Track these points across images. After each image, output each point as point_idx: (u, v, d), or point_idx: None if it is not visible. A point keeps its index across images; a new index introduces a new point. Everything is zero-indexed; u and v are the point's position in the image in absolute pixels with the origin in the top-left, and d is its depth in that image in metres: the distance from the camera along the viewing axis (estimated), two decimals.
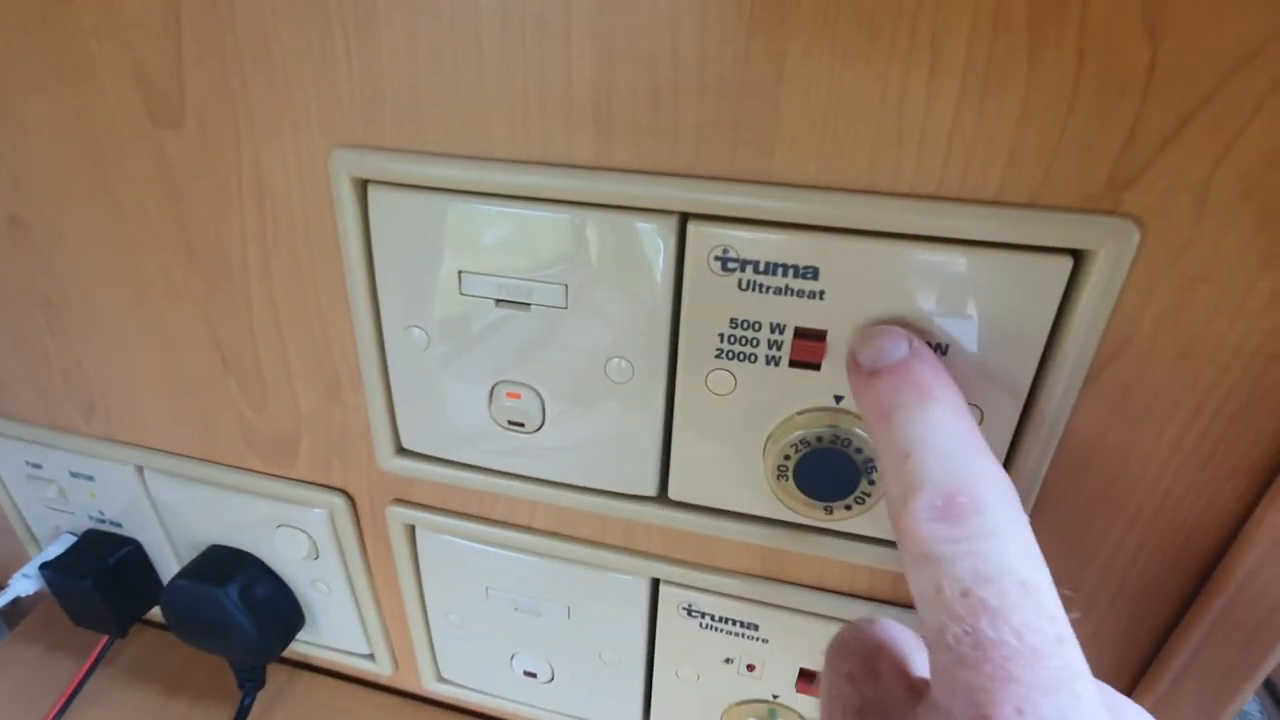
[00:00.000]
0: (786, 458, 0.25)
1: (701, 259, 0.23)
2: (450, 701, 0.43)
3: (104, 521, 0.42)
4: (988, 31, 0.19)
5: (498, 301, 0.26)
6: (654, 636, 0.34)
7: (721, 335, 0.24)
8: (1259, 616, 0.24)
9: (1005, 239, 0.21)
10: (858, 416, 0.24)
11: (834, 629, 0.30)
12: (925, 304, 0.22)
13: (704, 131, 0.22)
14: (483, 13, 0.22)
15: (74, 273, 0.32)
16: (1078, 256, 0.21)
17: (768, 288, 0.23)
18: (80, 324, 0.34)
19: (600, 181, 0.23)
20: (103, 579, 0.40)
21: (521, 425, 0.28)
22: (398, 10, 0.22)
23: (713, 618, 0.32)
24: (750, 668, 0.33)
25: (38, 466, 0.40)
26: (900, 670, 0.19)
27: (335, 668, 0.45)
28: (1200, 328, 0.21)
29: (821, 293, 0.23)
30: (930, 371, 0.20)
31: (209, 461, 0.36)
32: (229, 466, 0.36)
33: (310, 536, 0.36)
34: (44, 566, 0.41)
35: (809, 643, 0.31)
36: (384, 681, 0.44)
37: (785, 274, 0.23)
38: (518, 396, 0.28)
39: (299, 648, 0.43)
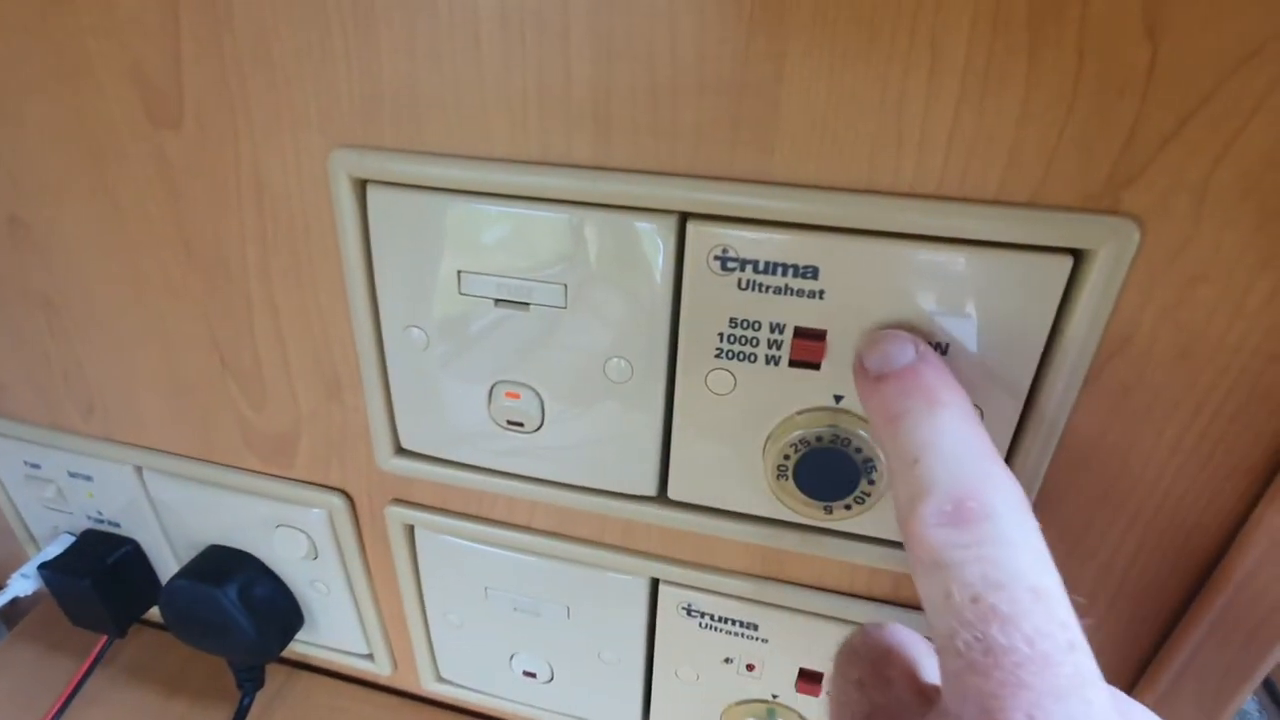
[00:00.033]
0: (786, 457, 0.25)
1: (701, 259, 0.23)
2: (449, 701, 0.43)
3: (102, 521, 0.42)
4: (987, 31, 0.19)
5: (497, 301, 0.26)
6: (653, 636, 0.34)
7: (721, 335, 0.24)
8: (1258, 616, 0.24)
9: (1005, 238, 0.21)
10: (858, 416, 0.24)
11: (834, 629, 0.30)
12: (925, 303, 0.22)
13: (703, 131, 0.22)
14: (481, 12, 0.22)
15: (73, 272, 0.32)
16: (1077, 256, 0.21)
17: (767, 287, 0.23)
18: (79, 323, 0.34)
19: (599, 181, 0.23)
20: (101, 579, 0.40)
21: (521, 425, 0.28)
22: (396, 10, 0.22)
23: (712, 617, 0.32)
24: (750, 667, 0.33)
25: (36, 466, 0.40)
26: (910, 676, 0.19)
27: (334, 668, 0.45)
28: (1199, 327, 0.21)
29: (821, 292, 0.23)
30: (937, 376, 0.20)
31: (208, 461, 0.36)
32: (228, 466, 0.36)
33: (309, 536, 0.36)
34: (42, 566, 0.41)
35: (809, 642, 0.31)
36: (383, 681, 0.44)
37: (785, 273, 0.23)
38: (517, 396, 0.28)
39: (298, 648, 0.43)
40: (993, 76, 0.19)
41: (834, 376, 0.24)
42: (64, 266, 0.32)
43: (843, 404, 0.24)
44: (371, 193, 0.26)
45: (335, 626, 0.41)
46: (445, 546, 0.34)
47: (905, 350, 0.21)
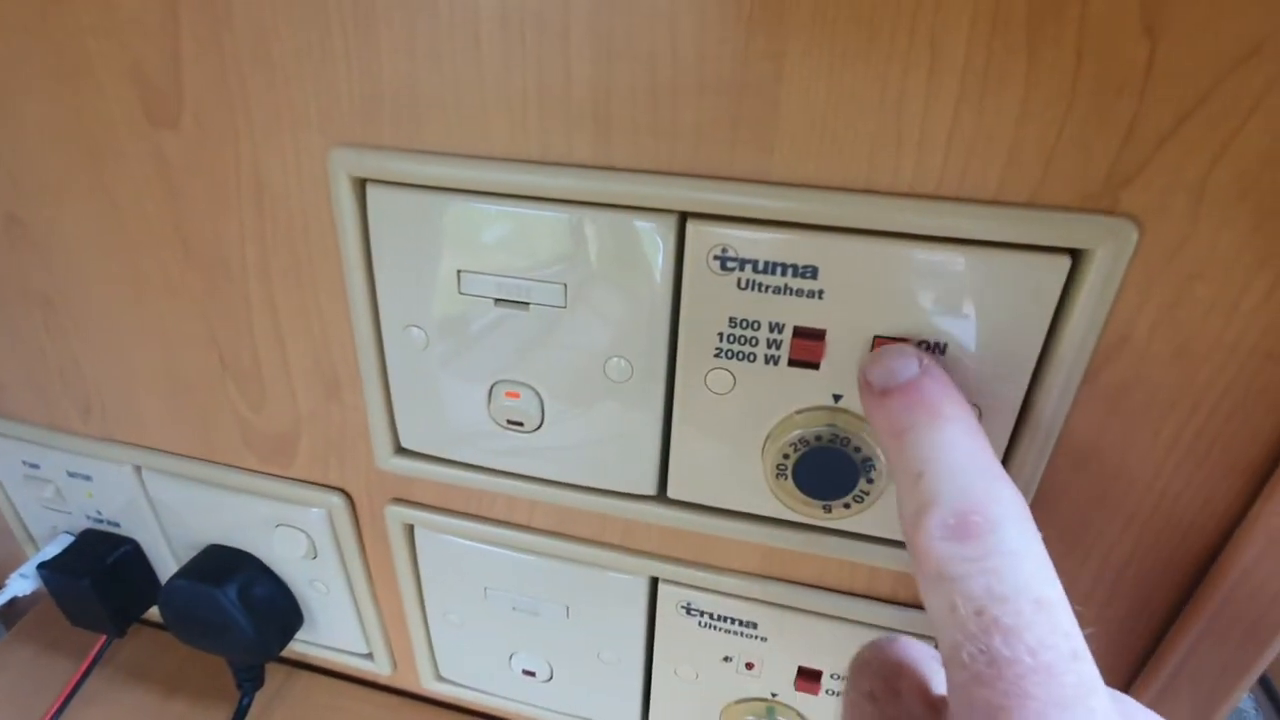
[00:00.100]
0: (785, 456, 0.25)
1: (701, 258, 0.23)
2: (449, 701, 0.43)
3: (101, 521, 0.42)
4: (987, 31, 0.19)
5: (497, 301, 0.26)
6: (653, 635, 0.34)
7: (721, 334, 0.24)
8: (1255, 613, 0.24)
9: (1004, 238, 0.21)
10: (856, 415, 0.24)
11: (833, 627, 0.30)
12: (924, 303, 0.22)
13: (703, 131, 0.22)
14: (482, 12, 0.22)
15: (71, 271, 0.32)
16: (1076, 255, 0.21)
17: (767, 287, 0.23)
18: (78, 323, 0.34)
19: (599, 181, 0.23)
20: (100, 579, 0.40)
21: (520, 424, 0.28)
22: (396, 10, 0.22)
23: (712, 616, 0.32)
24: (749, 666, 0.33)
25: (35, 466, 0.40)
26: (920, 688, 0.20)
27: (334, 667, 0.45)
28: (1197, 326, 0.21)
29: (820, 292, 0.23)
30: (941, 390, 0.20)
31: (207, 461, 0.36)
32: (227, 466, 0.36)
33: (309, 536, 0.36)
34: (41, 566, 0.41)
35: (808, 641, 0.31)
36: (383, 681, 0.44)
37: (784, 273, 0.23)
38: (517, 396, 0.28)
39: (297, 647, 0.43)
40: (992, 76, 0.19)
41: (833, 376, 0.24)
42: (62, 265, 0.32)
43: (841, 403, 0.24)
44: (371, 192, 0.26)
45: (335, 626, 0.41)
46: (445, 546, 0.34)
47: (909, 365, 0.21)
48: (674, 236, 0.23)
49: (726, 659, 0.33)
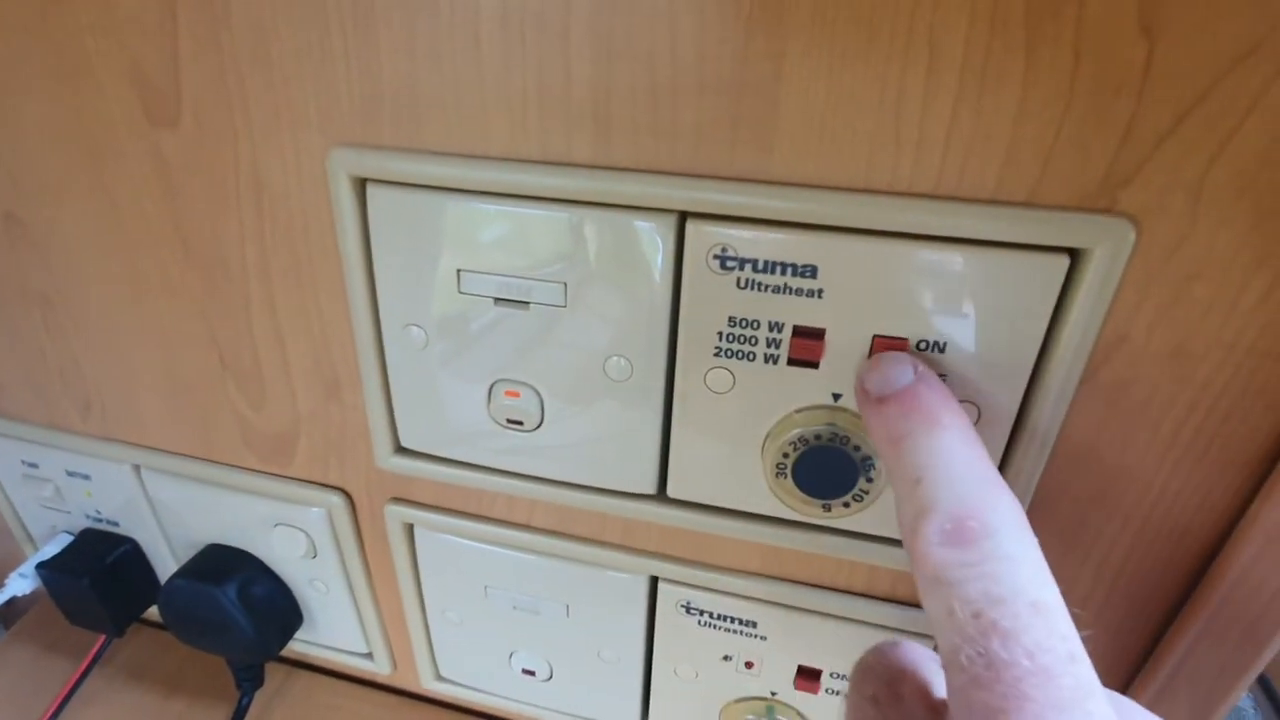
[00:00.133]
0: (785, 455, 0.25)
1: (700, 257, 0.23)
2: (449, 700, 0.43)
3: (101, 521, 0.42)
4: (985, 30, 0.19)
5: (496, 300, 0.26)
6: (653, 634, 0.34)
7: (720, 333, 0.24)
8: (1254, 612, 0.24)
9: (1002, 238, 0.21)
10: (856, 415, 0.24)
11: (833, 626, 0.30)
12: (924, 302, 0.22)
13: (703, 130, 0.22)
14: (482, 12, 0.22)
15: (71, 271, 0.32)
16: (1074, 255, 0.21)
17: (766, 286, 0.23)
18: (77, 322, 0.34)
19: (599, 180, 0.23)
20: (100, 578, 0.40)
21: (520, 424, 0.28)
22: (396, 10, 0.22)
23: (711, 615, 0.32)
24: (749, 665, 0.33)
25: (34, 466, 0.40)
26: (922, 692, 0.20)
27: (333, 667, 0.45)
28: (1195, 325, 0.21)
29: (820, 291, 0.23)
30: (937, 397, 0.20)
31: (207, 460, 0.36)
32: (227, 465, 0.36)
33: (308, 535, 0.36)
34: (40, 566, 0.41)
35: (807, 640, 0.31)
36: (382, 680, 0.44)
37: (784, 272, 0.23)
38: (516, 395, 0.28)
39: (297, 647, 0.43)
40: (990, 75, 0.19)
41: (832, 375, 0.24)
42: (62, 265, 0.32)
43: (841, 402, 0.24)
44: (371, 191, 0.26)
45: (334, 625, 0.41)
46: (445, 545, 0.34)
47: (905, 372, 0.21)
48: (674, 236, 0.23)
49: (726, 658, 0.33)
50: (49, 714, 0.42)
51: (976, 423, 0.23)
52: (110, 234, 0.30)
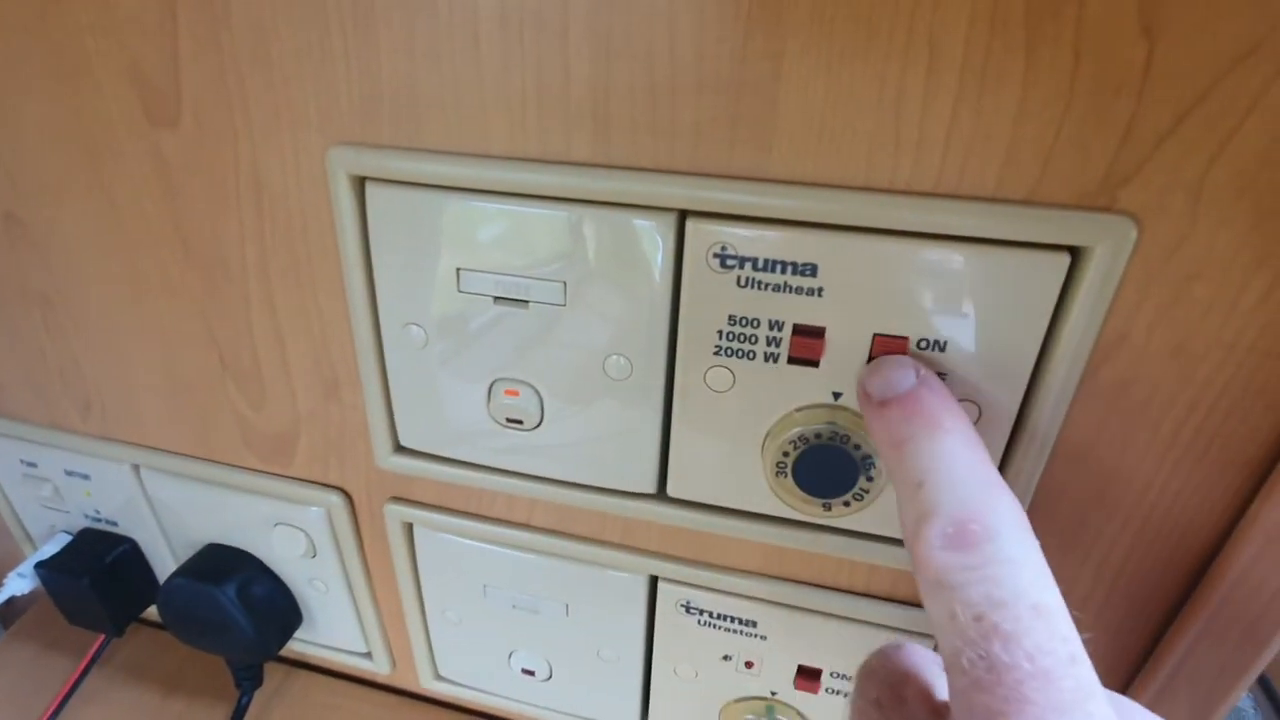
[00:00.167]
0: (785, 454, 0.25)
1: (700, 256, 0.23)
2: (448, 700, 0.43)
3: (100, 520, 0.42)
4: (985, 30, 0.19)
5: (496, 299, 0.26)
6: (652, 634, 0.34)
7: (720, 332, 0.24)
8: (1254, 612, 0.24)
9: (1003, 236, 0.21)
10: (856, 413, 0.24)
11: (833, 625, 0.30)
12: (924, 300, 0.22)
13: (702, 129, 0.22)
14: (480, 11, 0.22)
15: (70, 270, 0.32)
16: (1074, 253, 0.21)
17: (766, 285, 0.23)
18: (77, 321, 0.34)
19: (598, 179, 0.23)
20: (99, 578, 0.40)
21: (520, 423, 0.28)
22: (396, 10, 0.22)
23: (711, 615, 0.32)
24: (748, 665, 0.33)
25: (33, 465, 0.40)
26: (925, 695, 0.20)
27: (333, 666, 0.45)
28: (1195, 324, 0.21)
29: (820, 289, 0.23)
30: (938, 400, 0.20)
31: (206, 460, 0.36)
32: (226, 465, 0.36)
33: (308, 535, 0.36)
34: (39, 565, 0.41)
35: (807, 639, 0.31)
36: (382, 680, 0.44)
37: (784, 271, 0.23)
38: (516, 394, 0.28)
39: (296, 646, 0.43)
40: (990, 75, 0.19)
41: (832, 373, 0.24)
42: (61, 265, 0.32)
43: (841, 401, 0.24)
44: (370, 190, 0.26)
45: (334, 625, 0.41)
46: (444, 544, 0.34)
47: (906, 375, 0.21)
48: (673, 235, 0.23)
49: (726, 657, 0.33)
50: (48, 714, 0.42)
51: (976, 422, 0.23)
52: (110, 234, 0.30)
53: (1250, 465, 0.23)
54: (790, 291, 0.23)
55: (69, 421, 0.38)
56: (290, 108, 0.25)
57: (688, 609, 0.32)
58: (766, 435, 0.26)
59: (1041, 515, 0.26)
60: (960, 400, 0.22)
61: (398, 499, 0.34)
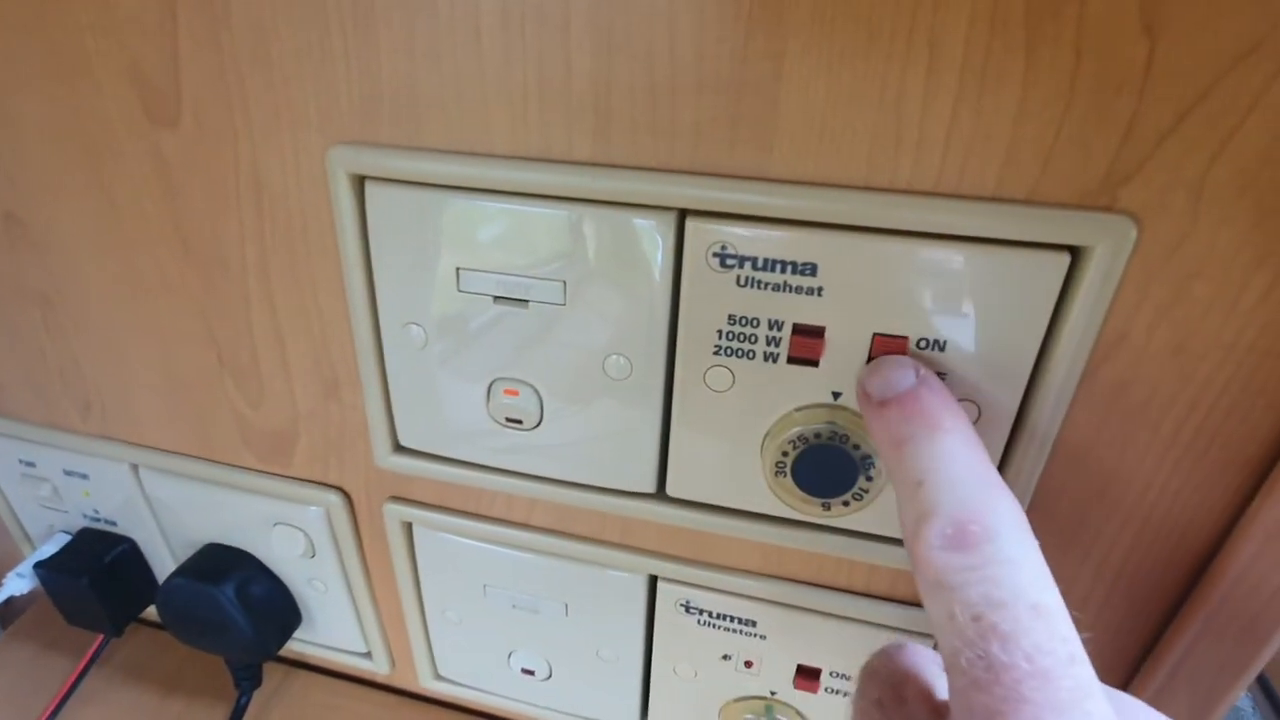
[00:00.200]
0: (784, 454, 0.25)
1: (700, 255, 0.23)
2: (448, 699, 0.43)
3: (99, 520, 0.42)
4: (985, 30, 0.19)
5: (496, 298, 0.26)
6: (652, 633, 0.34)
7: (720, 332, 0.24)
8: (1254, 611, 0.24)
9: (1003, 235, 0.21)
10: (856, 413, 0.24)
11: (832, 625, 0.30)
12: (924, 300, 0.22)
13: (702, 129, 0.22)
14: (482, 6, 0.22)
15: (70, 270, 0.32)
16: (1075, 253, 0.21)
17: (766, 284, 0.23)
18: (76, 321, 0.34)
19: (599, 178, 0.23)
20: (98, 578, 0.40)
21: (519, 422, 0.28)
22: (396, 9, 0.22)
23: (711, 614, 0.32)
24: (748, 664, 0.33)
25: (31, 465, 0.40)
26: (925, 695, 0.20)
27: (332, 666, 0.45)
28: (1195, 324, 0.21)
29: (820, 289, 0.23)
30: (938, 400, 0.20)
31: (205, 460, 0.36)
32: (225, 465, 0.36)
33: (307, 534, 0.36)
34: (38, 565, 0.41)
35: (807, 639, 0.31)
36: (381, 680, 0.44)
37: (784, 270, 0.23)
38: (515, 393, 0.28)
39: (295, 646, 0.43)
40: (990, 74, 0.19)
41: (832, 373, 0.24)
42: (61, 264, 0.32)
43: (841, 400, 0.24)
44: (370, 190, 0.26)
45: (333, 625, 0.41)
46: (443, 544, 0.34)
47: (906, 375, 0.21)
48: (673, 234, 0.23)
49: (725, 657, 0.33)
50: (47, 713, 0.42)
51: (976, 421, 0.23)
52: (110, 233, 0.30)
53: (1250, 464, 0.23)
54: (790, 291, 0.23)
55: (68, 421, 0.38)
56: (290, 107, 0.25)
57: (687, 608, 0.32)
58: (766, 435, 0.26)
59: (1041, 515, 0.26)
60: (960, 400, 0.22)
61: (397, 498, 0.34)
